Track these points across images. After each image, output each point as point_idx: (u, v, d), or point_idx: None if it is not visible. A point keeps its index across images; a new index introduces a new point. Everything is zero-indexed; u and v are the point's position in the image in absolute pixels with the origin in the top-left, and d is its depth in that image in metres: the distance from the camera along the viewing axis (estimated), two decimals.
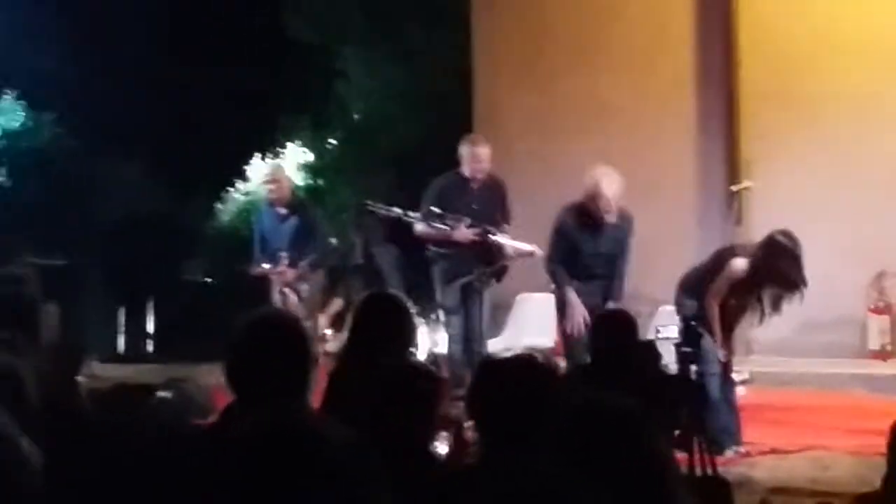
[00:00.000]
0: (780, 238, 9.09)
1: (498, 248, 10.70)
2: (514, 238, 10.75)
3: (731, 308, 9.28)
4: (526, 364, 4.27)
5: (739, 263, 9.12)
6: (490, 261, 10.69)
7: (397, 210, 10.90)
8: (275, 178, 12.19)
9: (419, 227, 10.85)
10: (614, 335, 7.24)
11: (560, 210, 10.03)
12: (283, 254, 11.60)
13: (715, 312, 9.18)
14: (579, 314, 9.79)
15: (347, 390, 4.96)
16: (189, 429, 5.24)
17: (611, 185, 9.80)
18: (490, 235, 10.64)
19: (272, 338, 4.34)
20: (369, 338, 6.13)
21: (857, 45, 13.28)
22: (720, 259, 9.35)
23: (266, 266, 11.70)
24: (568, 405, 3.80)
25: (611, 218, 9.86)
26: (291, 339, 4.38)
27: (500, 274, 10.83)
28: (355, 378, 4.80)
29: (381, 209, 11.04)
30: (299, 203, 12.17)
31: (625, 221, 10.05)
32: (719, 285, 9.19)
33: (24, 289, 6.67)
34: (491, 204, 10.85)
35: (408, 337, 6.29)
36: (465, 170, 10.81)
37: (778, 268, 9.05)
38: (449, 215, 10.67)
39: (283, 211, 11.87)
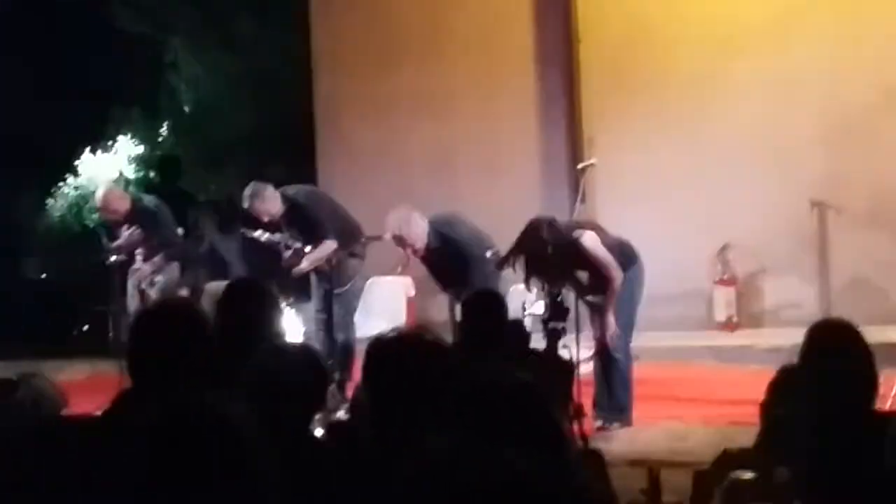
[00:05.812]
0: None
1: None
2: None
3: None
4: (416, 340, 4.21)
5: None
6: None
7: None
8: (104, 208, 11.61)
9: None
10: (484, 315, 7.17)
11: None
12: (139, 251, 11.31)
13: None
14: None
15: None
16: (57, 421, 5.16)
17: None
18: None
19: (170, 323, 4.43)
20: (237, 324, 6.04)
21: (693, 22, 13.42)
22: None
23: (120, 257, 11.27)
24: (465, 380, 3.75)
25: None
26: (189, 323, 4.45)
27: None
28: (232, 362, 4.70)
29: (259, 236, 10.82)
30: (137, 213, 11.60)
31: None
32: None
33: None
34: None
35: (275, 321, 6.25)
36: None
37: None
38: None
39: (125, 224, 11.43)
